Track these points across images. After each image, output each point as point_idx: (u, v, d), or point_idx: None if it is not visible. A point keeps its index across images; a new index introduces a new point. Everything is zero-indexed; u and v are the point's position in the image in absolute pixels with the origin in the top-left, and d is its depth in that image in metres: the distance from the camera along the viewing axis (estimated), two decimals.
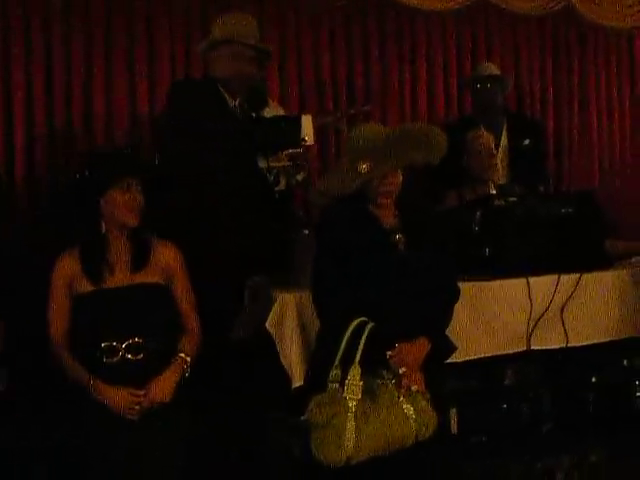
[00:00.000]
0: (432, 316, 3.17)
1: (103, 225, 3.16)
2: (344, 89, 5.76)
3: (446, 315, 3.26)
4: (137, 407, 2.97)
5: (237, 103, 3.93)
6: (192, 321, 3.24)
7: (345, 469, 2.89)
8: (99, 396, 2.97)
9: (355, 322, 2.95)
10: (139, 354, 3.04)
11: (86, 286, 3.11)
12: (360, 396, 2.88)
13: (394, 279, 3.11)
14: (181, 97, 3.87)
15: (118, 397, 2.97)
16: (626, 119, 6.69)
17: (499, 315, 3.81)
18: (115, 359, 3.03)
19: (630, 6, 6.37)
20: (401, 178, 3.23)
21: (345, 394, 2.87)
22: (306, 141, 3.72)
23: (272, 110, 4.50)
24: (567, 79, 6.48)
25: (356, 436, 2.84)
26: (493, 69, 5.46)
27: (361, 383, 2.88)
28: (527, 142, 5.36)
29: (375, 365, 2.97)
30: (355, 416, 2.85)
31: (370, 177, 3.15)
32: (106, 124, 5.00)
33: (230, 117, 3.86)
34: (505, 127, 5.37)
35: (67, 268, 3.15)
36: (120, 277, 3.13)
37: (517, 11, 6.04)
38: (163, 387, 3.03)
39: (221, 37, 3.87)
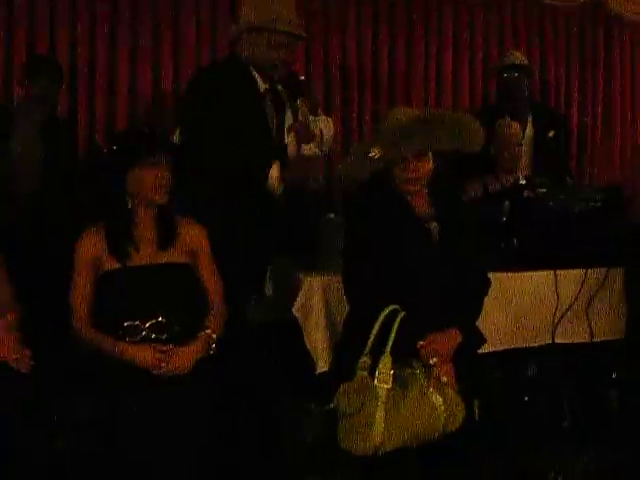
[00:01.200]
0: (463, 307, 3.08)
1: (129, 202, 3.07)
2: (369, 75, 5.71)
3: (477, 307, 3.17)
4: (163, 364, 2.87)
5: (268, 86, 3.78)
6: (218, 301, 3.16)
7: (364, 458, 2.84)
8: (125, 356, 2.88)
9: (386, 310, 2.87)
10: (162, 334, 2.97)
11: (112, 263, 3.04)
12: (391, 385, 2.80)
13: (427, 269, 3.03)
14: (206, 84, 3.67)
15: (144, 353, 2.87)
16: None
17: (525, 307, 3.77)
18: (138, 338, 2.95)
19: None
20: (430, 165, 3.10)
21: (376, 382, 2.80)
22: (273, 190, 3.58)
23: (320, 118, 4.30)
24: (592, 73, 6.42)
25: (386, 426, 2.76)
26: (520, 58, 5.36)
27: (392, 372, 2.80)
28: (551, 134, 5.27)
29: (406, 355, 2.90)
30: (385, 405, 2.78)
31: (380, 164, 3.06)
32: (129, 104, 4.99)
33: (258, 105, 3.73)
34: (530, 118, 5.28)
35: (91, 245, 3.06)
36: (146, 255, 3.06)
37: (546, 1, 5.99)
38: (184, 357, 2.91)
39: (258, 23, 3.66)
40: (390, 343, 2.82)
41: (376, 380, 2.80)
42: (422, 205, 3.15)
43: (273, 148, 3.72)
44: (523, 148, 5.00)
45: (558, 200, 3.95)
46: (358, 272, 3.06)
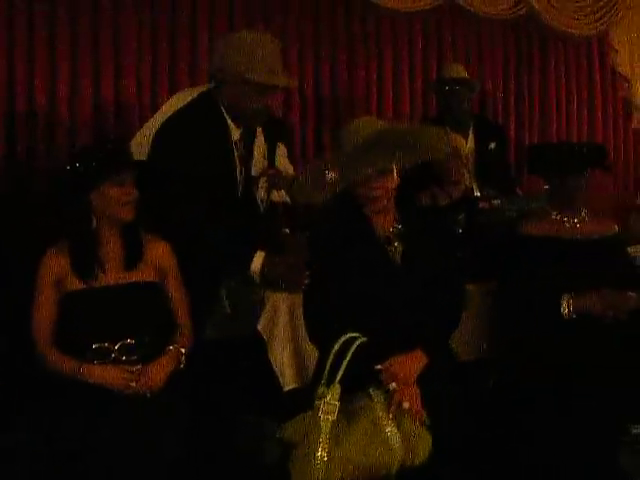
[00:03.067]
0: (430, 327, 3.01)
1: (94, 221, 3.03)
2: (311, 92, 5.74)
3: (449, 324, 3.13)
4: (132, 384, 2.83)
5: (239, 136, 3.62)
6: (185, 319, 3.13)
7: None
8: (92, 378, 2.83)
9: (343, 338, 2.83)
10: (132, 355, 2.93)
11: (76, 284, 2.99)
12: (335, 417, 2.71)
13: (389, 292, 2.99)
14: (175, 135, 3.45)
15: (112, 374, 2.84)
16: (584, 125, 6.80)
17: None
18: (107, 361, 2.89)
19: (589, 15, 6.53)
20: (395, 180, 3.07)
21: (320, 414, 2.73)
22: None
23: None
24: (528, 84, 6.56)
25: (327, 459, 2.66)
26: (462, 71, 5.46)
27: (338, 403, 2.73)
28: (493, 146, 5.39)
29: (367, 383, 2.83)
30: (328, 438, 2.68)
31: (339, 186, 2.98)
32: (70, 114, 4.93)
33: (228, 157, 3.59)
34: (471, 130, 5.38)
35: (55, 265, 3.01)
36: (112, 275, 3.02)
37: (483, 15, 6.12)
38: (155, 374, 2.88)
39: (252, 76, 3.42)
40: (340, 372, 2.76)
41: (321, 411, 2.72)
42: (387, 223, 3.12)
43: (238, 201, 3.64)
44: (468, 159, 5.05)
45: (512, 210, 4.00)
46: (316, 298, 3.06)
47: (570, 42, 6.66)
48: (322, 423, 2.70)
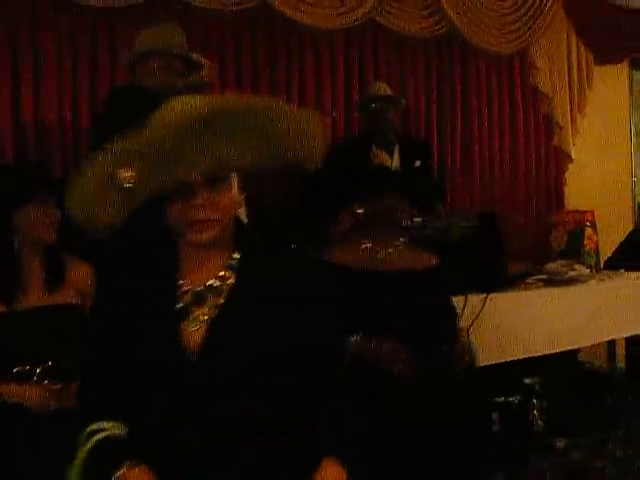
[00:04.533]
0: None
1: (15, 242, 3.02)
2: None
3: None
4: (52, 402, 2.84)
5: None
6: None
7: None
8: (12, 398, 2.83)
9: (88, 429, 1.99)
10: (55, 378, 2.92)
11: None
12: None
13: (174, 382, 1.93)
14: (123, 104, 3.68)
15: (32, 392, 2.85)
16: (506, 143, 6.98)
17: None
18: (29, 384, 2.89)
19: (509, 32, 6.72)
20: (233, 194, 2.02)
21: None
22: None
23: None
24: (450, 101, 6.72)
25: None
26: (386, 89, 5.57)
27: None
28: (418, 163, 5.47)
29: None
30: None
31: (139, 196, 1.92)
32: None
33: None
34: (397, 147, 5.47)
35: None
36: (34, 297, 3.01)
37: (404, 33, 6.28)
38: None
39: (145, 49, 3.79)
40: None
41: None
42: (214, 266, 2.06)
43: None
44: None
45: (434, 228, 4.09)
46: (85, 374, 2.22)
47: (491, 59, 6.84)
48: None
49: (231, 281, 2.02)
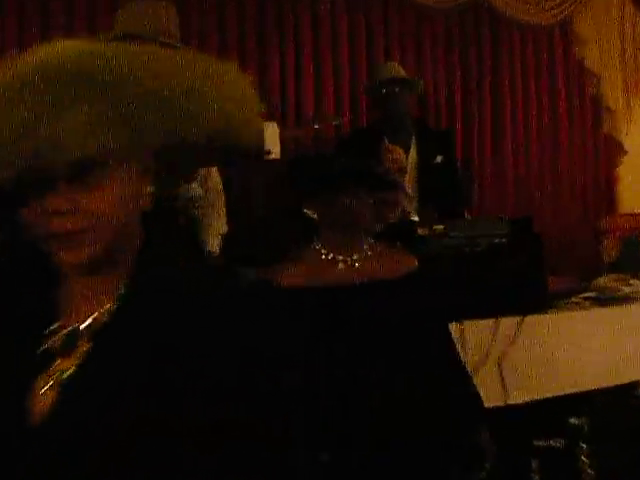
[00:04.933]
0: None
1: None
2: None
3: None
4: None
5: None
6: None
7: None
8: None
9: None
10: None
11: None
12: None
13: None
14: None
15: None
16: (546, 130, 6.85)
17: None
18: None
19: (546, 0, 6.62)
20: (122, 196, 1.51)
21: None
22: (270, 153, 3.40)
23: None
24: (477, 82, 6.61)
25: None
26: (400, 70, 5.44)
27: None
28: (439, 159, 5.37)
29: None
30: None
31: None
32: None
33: None
34: (414, 140, 5.37)
35: None
36: None
37: (421, 4, 6.17)
38: None
39: (136, 31, 3.60)
40: None
41: None
42: (97, 302, 1.54)
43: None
44: (406, 177, 5.07)
45: (458, 238, 3.99)
46: None
47: (527, 31, 6.72)
48: None
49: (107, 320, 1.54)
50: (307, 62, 6.00)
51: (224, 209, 4.56)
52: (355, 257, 3.09)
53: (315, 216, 3.08)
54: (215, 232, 4.22)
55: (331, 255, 3.09)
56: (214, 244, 4.13)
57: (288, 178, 3.20)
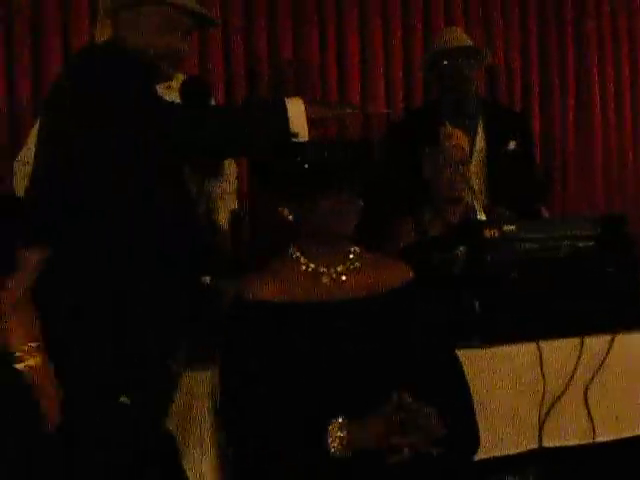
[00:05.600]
0: None
1: None
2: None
3: None
4: None
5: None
6: None
7: None
8: None
9: None
10: None
11: None
12: None
13: None
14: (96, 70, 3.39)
15: None
16: None
17: (497, 397, 3.82)
18: None
19: None
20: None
21: None
22: (297, 136, 3.38)
23: None
24: (559, 54, 6.68)
25: None
26: (464, 38, 5.53)
27: None
28: (512, 145, 5.46)
29: None
30: None
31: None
32: None
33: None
34: (481, 123, 5.47)
35: None
36: None
37: None
38: None
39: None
40: None
41: None
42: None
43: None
44: (472, 167, 5.16)
45: (534, 241, 4.07)
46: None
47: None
48: None
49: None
50: (350, 30, 6.14)
51: (236, 183, 4.76)
52: (340, 269, 3.18)
53: (291, 217, 3.14)
54: (226, 207, 4.38)
55: (312, 266, 3.19)
56: (224, 219, 4.29)
57: (252, 171, 3.26)
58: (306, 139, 3.18)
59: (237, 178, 4.91)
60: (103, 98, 3.22)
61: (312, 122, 3.24)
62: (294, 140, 3.21)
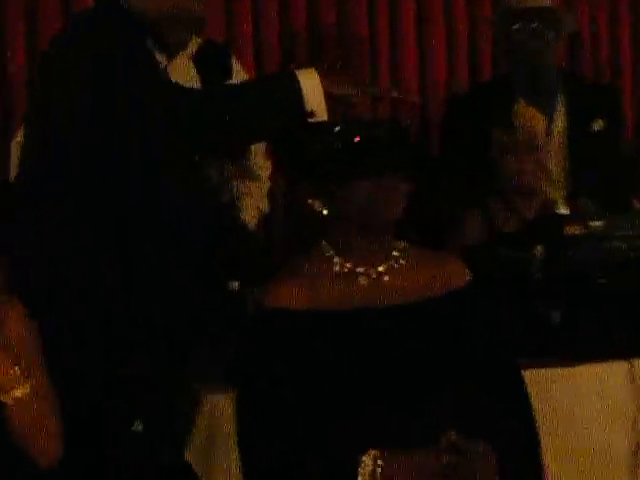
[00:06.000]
0: None
1: None
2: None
3: None
4: None
5: (165, 64, 3.66)
6: None
7: None
8: None
9: None
10: None
11: None
12: None
13: None
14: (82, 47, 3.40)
15: None
16: None
17: (582, 424, 3.80)
18: None
19: None
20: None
21: None
22: (314, 115, 3.34)
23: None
24: None
25: None
26: None
27: None
28: (598, 125, 5.36)
29: None
30: None
31: None
32: None
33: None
34: (561, 100, 5.38)
35: None
36: None
37: None
38: None
39: None
40: None
41: None
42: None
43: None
44: (550, 151, 5.11)
45: (624, 239, 4.02)
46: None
47: None
48: None
49: None
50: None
51: (268, 183, 4.73)
52: (381, 268, 3.10)
53: (324, 211, 3.06)
54: (253, 206, 4.37)
55: (348, 265, 3.09)
56: (252, 219, 4.29)
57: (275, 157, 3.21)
58: (325, 119, 3.13)
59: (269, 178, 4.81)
60: (89, 69, 3.25)
61: (333, 99, 3.19)
62: (310, 120, 3.16)
